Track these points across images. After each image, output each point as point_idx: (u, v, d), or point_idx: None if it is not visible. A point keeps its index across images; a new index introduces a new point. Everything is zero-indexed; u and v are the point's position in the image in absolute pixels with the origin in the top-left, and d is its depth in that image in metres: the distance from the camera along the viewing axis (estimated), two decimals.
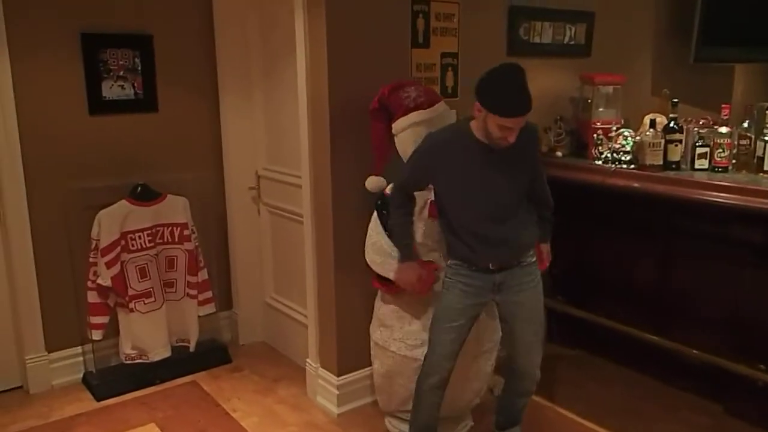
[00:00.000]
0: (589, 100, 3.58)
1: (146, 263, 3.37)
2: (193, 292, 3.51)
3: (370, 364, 3.03)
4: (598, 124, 3.45)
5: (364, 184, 2.82)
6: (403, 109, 2.69)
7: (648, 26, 4.20)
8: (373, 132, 2.82)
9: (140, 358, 3.39)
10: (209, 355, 3.60)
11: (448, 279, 2.49)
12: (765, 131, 2.91)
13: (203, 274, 3.55)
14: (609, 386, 3.33)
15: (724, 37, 4.14)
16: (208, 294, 3.57)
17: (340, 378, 3.06)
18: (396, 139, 2.75)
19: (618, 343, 3.47)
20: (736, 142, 2.99)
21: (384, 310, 2.81)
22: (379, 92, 2.74)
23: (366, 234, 2.79)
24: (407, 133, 2.69)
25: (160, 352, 3.43)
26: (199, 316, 3.56)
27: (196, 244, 3.50)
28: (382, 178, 2.80)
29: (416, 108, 2.68)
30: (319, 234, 3.03)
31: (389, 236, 2.64)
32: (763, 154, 2.89)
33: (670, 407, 3.11)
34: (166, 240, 3.44)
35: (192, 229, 3.49)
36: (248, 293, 3.84)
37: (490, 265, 2.40)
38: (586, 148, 3.56)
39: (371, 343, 2.91)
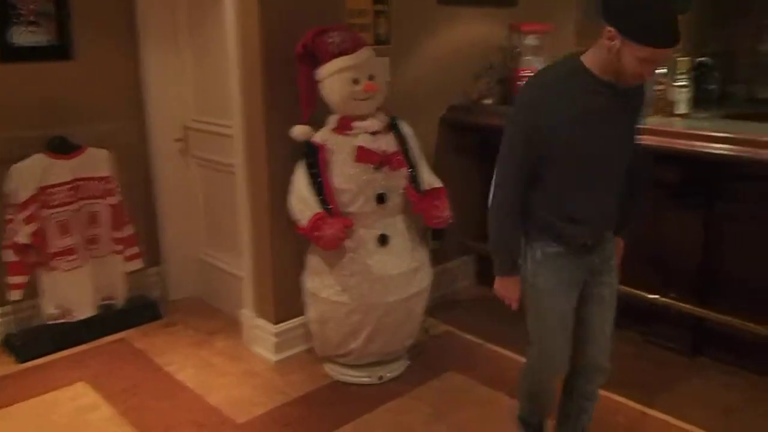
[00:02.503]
0: (518, 49, 3.78)
1: (67, 219, 3.37)
2: (119, 247, 3.55)
3: (305, 312, 3.18)
4: (526, 72, 3.65)
5: (291, 133, 2.92)
6: (326, 55, 2.81)
7: None
8: (300, 78, 2.92)
9: (64, 318, 3.42)
10: (139, 311, 3.66)
11: (537, 268, 2.09)
12: (677, 78, 3.18)
13: (129, 229, 3.58)
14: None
15: None
16: (135, 249, 3.62)
17: (277, 326, 3.20)
18: (321, 86, 2.87)
19: None
20: (653, 88, 3.25)
21: (315, 257, 2.96)
22: (303, 38, 2.83)
23: None
24: (332, 80, 2.82)
25: (85, 311, 3.47)
26: (126, 273, 3.60)
27: (120, 198, 3.52)
28: (308, 126, 2.92)
29: (341, 54, 2.80)
30: (252, 184, 3.13)
31: (494, 244, 2.12)
32: (676, 99, 3.17)
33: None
34: (87, 194, 3.45)
35: (115, 183, 3.50)
36: (178, 248, 3.89)
37: (588, 242, 2.07)
38: (513, 96, 3.77)
39: (304, 291, 3.06)
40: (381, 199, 2.84)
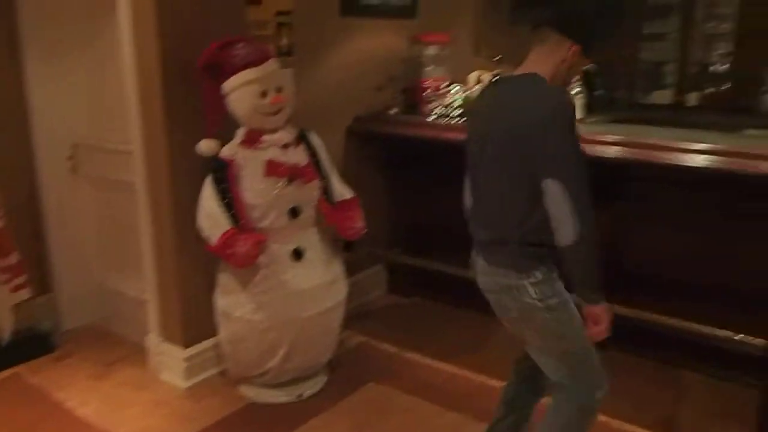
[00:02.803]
0: (419, 59, 3.84)
1: None
2: (5, 276, 3.26)
3: (216, 334, 3.08)
4: (429, 82, 3.72)
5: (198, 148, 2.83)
6: (233, 68, 2.74)
7: None
8: (204, 92, 2.83)
9: None
10: (28, 345, 3.39)
11: (544, 287, 1.97)
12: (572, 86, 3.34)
13: (14, 257, 3.29)
14: (451, 327, 3.68)
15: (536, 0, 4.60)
16: (22, 278, 3.34)
17: (187, 350, 3.07)
18: (228, 100, 2.79)
19: (455, 288, 3.80)
20: None
21: (226, 276, 2.87)
22: (207, 50, 2.75)
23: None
24: (240, 93, 2.75)
25: None
26: (12, 305, 3.33)
27: (4, 222, 3.26)
28: (215, 141, 2.83)
29: (246, 66, 2.73)
30: (155, 202, 2.99)
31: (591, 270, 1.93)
32: None
33: (511, 340, 3.46)
34: None
35: None
36: (70, 273, 3.65)
37: None
38: (417, 105, 3.84)
39: (216, 311, 2.95)
40: (294, 212, 2.79)
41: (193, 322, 3.07)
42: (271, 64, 2.79)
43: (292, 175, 2.76)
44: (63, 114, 3.49)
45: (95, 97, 3.42)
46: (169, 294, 3.05)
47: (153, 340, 3.19)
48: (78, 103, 3.48)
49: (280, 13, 3.26)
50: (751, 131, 4.62)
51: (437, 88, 3.62)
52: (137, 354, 3.36)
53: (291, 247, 2.82)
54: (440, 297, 4.00)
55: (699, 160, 2.84)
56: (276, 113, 2.78)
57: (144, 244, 3.09)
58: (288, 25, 3.31)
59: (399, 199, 4.00)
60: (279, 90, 2.77)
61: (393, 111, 3.80)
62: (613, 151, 3.03)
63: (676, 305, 3.09)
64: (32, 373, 3.25)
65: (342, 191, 3.01)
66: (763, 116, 5.13)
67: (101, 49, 3.28)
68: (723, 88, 5.48)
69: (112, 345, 3.52)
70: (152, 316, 3.17)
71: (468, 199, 2.23)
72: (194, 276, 3.03)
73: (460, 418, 2.81)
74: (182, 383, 3.07)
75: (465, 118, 1.90)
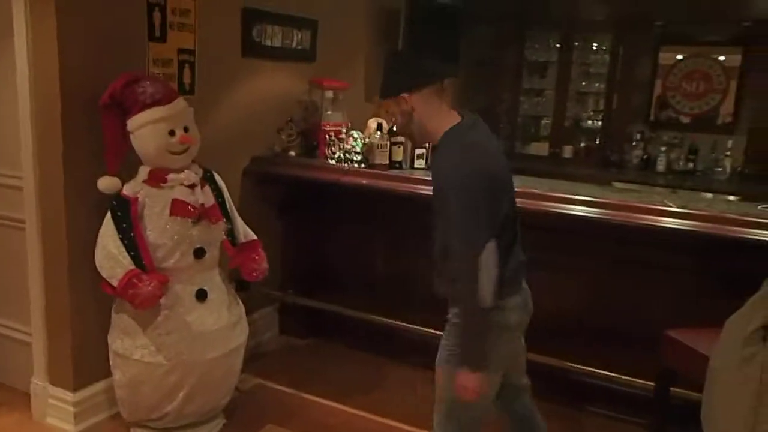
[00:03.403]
0: (318, 104, 3.99)
1: None
2: None
3: (108, 376, 3.01)
4: (328, 126, 3.86)
5: (98, 185, 2.81)
6: (139, 105, 2.75)
7: (363, 37, 4.76)
8: (106, 129, 2.81)
9: None
10: None
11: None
12: None
13: None
14: (345, 367, 3.77)
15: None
16: None
17: (76, 393, 2.98)
18: (132, 137, 2.80)
19: (350, 328, 3.93)
20: None
21: (124, 317, 2.82)
22: (111, 86, 2.75)
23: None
24: (146, 131, 2.77)
25: None
26: None
27: None
28: (116, 178, 2.82)
29: (154, 104, 2.76)
30: (47, 240, 2.91)
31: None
32: None
33: (405, 381, 3.62)
34: None
35: None
36: None
37: None
38: (315, 148, 3.96)
39: (110, 354, 2.89)
40: (199, 253, 2.82)
41: (84, 365, 2.99)
42: (180, 103, 2.83)
43: (199, 215, 2.79)
44: None
45: None
46: (59, 335, 2.96)
47: (38, 384, 3.06)
48: None
49: (182, 51, 3.31)
50: (618, 184, 5.14)
51: (338, 133, 3.76)
52: (15, 398, 3.21)
53: (194, 288, 2.83)
54: (333, 338, 4.09)
55: (582, 210, 3.14)
56: (183, 152, 2.81)
57: (32, 282, 2.99)
58: (190, 64, 3.36)
59: (292, 240, 4.09)
60: (186, 129, 2.82)
61: (292, 153, 3.90)
62: None
63: (560, 348, 3.31)
64: None
65: (246, 233, 3.07)
66: (629, 170, 5.69)
67: None
68: (595, 142, 6.01)
69: None
70: (37, 358, 3.05)
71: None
72: (86, 316, 2.96)
73: None
74: (72, 428, 2.97)
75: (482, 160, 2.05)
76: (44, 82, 2.78)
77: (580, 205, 3.16)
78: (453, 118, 2.14)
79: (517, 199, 2.24)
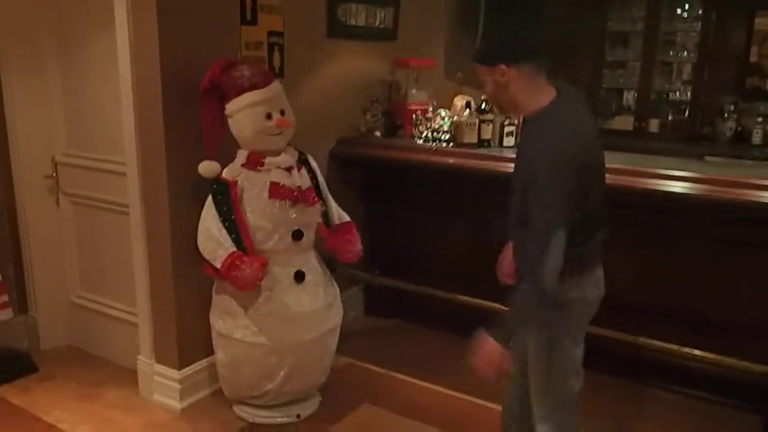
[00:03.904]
0: (401, 83, 4.00)
1: None
2: None
3: (210, 354, 3.14)
4: (414, 105, 3.87)
5: (199, 169, 2.89)
6: (236, 89, 2.80)
7: (442, 14, 4.73)
8: (204, 114, 2.88)
9: None
10: (9, 365, 3.38)
11: None
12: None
13: None
14: (431, 347, 3.79)
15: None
16: (4, 298, 3.35)
17: (182, 371, 3.11)
18: (230, 121, 2.87)
19: (435, 309, 3.95)
20: None
21: (225, 298, 2.92)
22: (209, 71, 2.82)
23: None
24: (243, 115, 2.82)
25: None
26: None
27: None
28: (215, 162, 2.90)
29: (252, 87, 2.80)
30: (150, 223, 3.03)
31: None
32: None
33: None
34: None
35: None
36: (48, 293, 3.64)
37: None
38: (400, 128, 3.98)
39: (213, 333, 3.01)
40: (297, 235, 2.88)
41: (188, 344, 3.11)
42: (276, 86, 2.87)
43: (297, 197, 2.85)
44: (41, 131, 3.48)
45: (75, 112, 3.42)
46: (164, 315, 3.09)
47: (144, 362, 3.21)
48: (57, 119, 3.48)
49: (272, 34, 3.36)
50: (711, 158, 4.96)
51: (424, 112, 3.77)
52: (122, 375, 3.38)
53: (292, 269, 2.90)
54: (418, 318, 4.13)
55: (680, 187, 3.03)
56: (279, 134, 2.87)
57: (137, 265, 3.12)
58: (279, 46, 3.41)
59: (376, 221, 4.12)
60: (283, 113, 2.87)
61: (377, 133, 3.92)
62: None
63: (657, 330, 3.27)
64: (17, 394, 3.23)
65: (340, 214, 3.12)
66: (721, 144, 5.48)
67: (80, 62, 3.31)
68: (683, 115, 5.81)
69: (94, 366, 3.52)
70: (143, 337, 3.19)
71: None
72: (189, 297, 3.07)
73: None
74: (177, 405, 3.11)
75: (576, 142, 2.01)
76: (145, 71, 2.87)
77: (677, 180, 3.05)
78: (548, 94, 2.05)
79: (607, 176, 2.16)
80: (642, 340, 3.27)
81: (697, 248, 3.26)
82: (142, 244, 3.07)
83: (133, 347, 3.29)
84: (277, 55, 3.39)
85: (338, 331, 3.12)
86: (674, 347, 3.22)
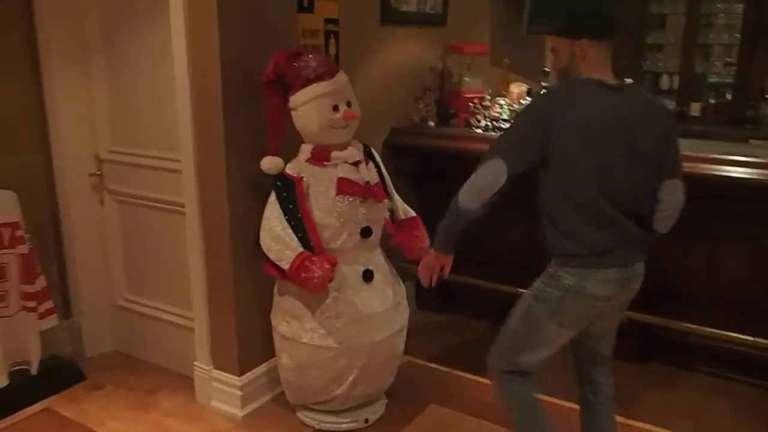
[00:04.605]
0: (452, 70, 3.82)
1: None
2: (32, 303, 3.09)
3: (270, 357, 3.00)
4: (469, 93, 3.69)
5: (261, 165, 2.72)
6: (302, 81, 2.63)
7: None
8: (267, 106, 2.71)
9: None
10: (56, 374, 3.21)
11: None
12: None
13: (41, 282, 3.13)
14: (488, 342, 3.60)
15: (551, 10, 4.64)
16: (49, 304, 3.17)
17: (242, 377, 2.95)
18: (294, 114, 2.69)
19: (487, 303, 3.77)
20: None
21: (290, 300, 2.75)
22: (272, 61, 2.65)
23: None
24: (309, 107, 2.65)
25: None
26: (39, 332, 3.15)
27: (31, 246, 3.08)
28: (279, 158, 2.72)
29: (318, 79, 2.63)
30: (208, 223, 2.86)
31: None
32: None
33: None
34: None
35: (24, 229, 3.06)
36: (93, 297, 3.47)
37: None
38: (452, 117, 3.80)
39: (276, 337, 2.85)
40: (366, 233, 2.71)
41: (248, 348, 2.95)
42: (342, 77, 2.70)
43: (366, 193, 2.68)
44: (85, 126, 3.31)
45: (120, 107, 3.24)
46: (223, 320, 2.92)
47: (202, 368, 3.04)
48: (102, 114, 3.31)
49: (328, 21, 3.18)
50: (756, 141, 4.78)
51: (481, 100, 3.59)
52: (175, 381, 3.23)
53: (360, 268, 2.73)
54: (470, 312, 3.98)
55: (739, 172, 2.93)
56: (345, 128, 2.69)
57: (193, 267, 2.95)
58: (335, 34, 3.23)
59: (427, 213, 3.95)
60: (349, 104, 2.69)
61: (431, 123, 3.74)
62: None
63: (722, 319, 3.15)
64: (67, 405, 3.07)
65: (405, 209, 2.95)
66: (765, 127, 5.31)
67: (125, 55, 3.14)
68: (725, 98, 5.63)
69: (145, 372, 3.36)
70: (200, 343, 3.03)
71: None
72: (249, 300, 2.91)
73: None
74: (238, 412, 2.95)
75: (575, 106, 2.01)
76: (203, 61, 2.68)
77: (734, 166, 2.96)
78: (610, 76, 2.05)
79: None
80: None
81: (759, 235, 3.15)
82: (199, 245, 2.90)
83: (186, 352, 3.14)
84: (332, 43, 3.22)
85: (405, 332, 2.95)
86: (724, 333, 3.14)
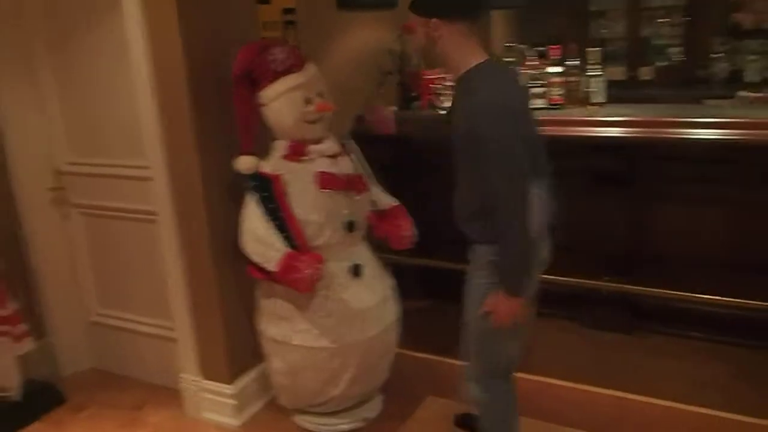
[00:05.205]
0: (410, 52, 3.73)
1: None
2: (5, 327, 2.92)
3: (258, 362, 2.91)
4: (429, 74, 3.61)
5: (236, 166, 2.61)
6: (271, 74, 2.54)
7: None
8: (238, 103, 2.60)
9: None
10: (36, 399, 3.06)
11: None
12: (590, 68, 3.35)
13: (12, 304, 2.96)
14: None
15: None
16: (23, 327, 3.01)
17: (233, 385, 2.86)
18: (266, 110, 2.59)
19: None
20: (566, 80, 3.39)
21: (277, 302, 2.67)
22: (239, 57, 2.54)
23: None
24: (281, 102, 2.56)
25: None
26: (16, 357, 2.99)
27: None
28: (254, 157, 2.62)
29: (287, 72, 2.54)
30: (185, 229, 2.74)
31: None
32: (592, 88, 3.34)
33: (539, 332, 3.47)
34: None
35: None
36: (65, 314, 3.31)
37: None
38: (414, 100, 3.73)
39: (265, 341, 2.76)
40: (350, 227, 2.63)
41: (237, 355, 2.86)
42: (311, 68, 2.61)
43: (347, 186, 2.60)
44: (40, 140, 3.13)
45: (78, 117, 3.08)
46: (208, 328, 2.81)
47: (189, 379, 2.94)
48: (56, 126, 3.13)
49: (286, 11, 3.06)
50: (710, 101, 4.85)
51: (443, 80, 3.52)
52: (160, 394, 3.11)
53: (348, 263, 2.65)
54: (449, 297, 3.94)
55: (709, 134, 2.92)
56: (318, 121, 2.60)
57: (171, 276, 2.83)
58: (294, 24, 3.12)
59: (404, 200, 3.90)
60: (321, 95, 2.60)
61: (393, 108, 3.66)
62: (617, 132, 3.09)
63: (703, 282, 3.16)
64: (53, 430, 2.94)
65: (387, 199, 2.88)
66: (716, 85, 5.39)
67: (75, 59, 2.97)
68: (674, 60, 5.69)
69: (126, 388, 3.23)
70: (185, 353, 2.91)
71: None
72: (234, 305, 2.81)
73: (539, 423, 2.76)
74: (233, 422, 2.86)
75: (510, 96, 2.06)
76: (165, 58, 2.55)
77: (699, 128, 2.96)
78: (479, 56, 2.01)
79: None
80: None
81: (728, 195, 3.19)
82: (175, 253, 2.78)
83: (167, 363, 3.04)
84: (291, 33, 3.10)
85: (398, 325, 2.88)
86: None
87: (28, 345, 3.02)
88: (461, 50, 1.99)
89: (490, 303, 2.10)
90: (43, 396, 3.10)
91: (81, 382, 3.30)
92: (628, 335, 3.42)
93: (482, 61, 2.00)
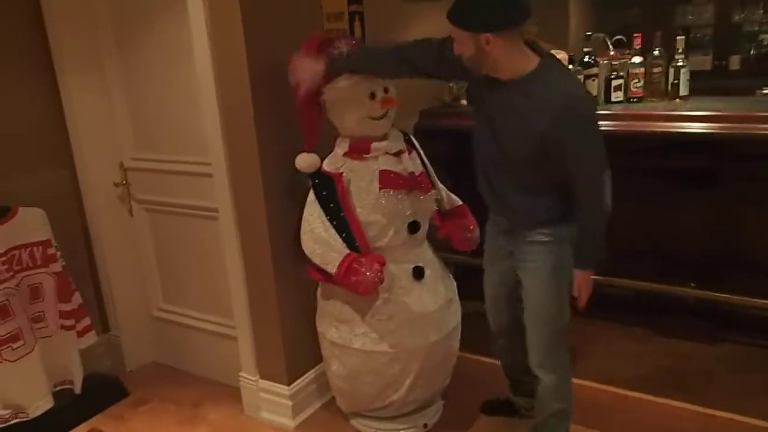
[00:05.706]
0: None
1: (7, 299, 2.74)
2: (69, 322, 2.97)
3: (317, 363, 2.87)
4: None
5: (296, 164, 2.55)
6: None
7: None
8: (300, 100, 2.52)
9: (17, 417, 2.81)
10: (99, 392, 3.09)
11: None
12: (677, 58, 3.13)
13: (77, 298, 3.00)
14: None
15: None
16: (87, 321, 3.05)
17: (291, 387, 2.81)
18: (329, 106, 2.51)
19: None
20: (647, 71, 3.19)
21: (337, 304, 2.59)
22: (302, 49, 2.45)
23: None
24: (344, 97, 2.46)
25: (41, 405, 2.87)
26: (79, 350, 3.03)
27: (63, 263, 2.95)
28: (315, 155, 2.55)
29: None
30: (245, 227, 2.70)
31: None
32: (677, 80, 3.12)
33: (601, 339, 3.33)
34: (26, 265, 2.84)
35: (55, 246, 2.92)
36: (129, 309, 3.35)
37: (499, 222, 2.37)
38: None
39: (324, 343, 2.69)
40: (413, 227, 2.53)
41: (295, 356, 2.81)
42: None
43: (411, 185, 2.50)
44: (106, 135, 3.16)
45: (142, 112, 3.08)
46: (267, 328, 2.77)
47: (248, 378, 2.91)
48: (122, 121, 3.15)
49: (352, 2, 2.98)
50: None
51: None
52: (220, 392, 3.10)
53: (410, 266, 2.55)
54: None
55: None
56: (383, 117, 2.51)
57: (232, 273, 2.80)
58: (360, 15, 3.03)
59: (466, 200, 3.77)
60: (386, 90, 2.50)
61: (464, 102, 3.54)
62: (702, 127, 2.88)
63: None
64: (113, 423, 2.97)
65: (451, 199, 2.77)
66: None
67: (141, 60, 2.97)
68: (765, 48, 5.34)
69: (188, 384, 3.23)
70: (245, 352, 2.88)
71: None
72: (292, 305, 2.76)
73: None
74: (290, 423, 2.81)
75: None
76: (228, 55, 2.49)
77: None
78: (531, 56, 2.01)
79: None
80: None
81: None
82: (235, 251, 2.75)
83: (228, 361, 3.02)
84: (357, 24, 3.02)
85: (460, 329, 2.77)
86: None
87: (90, 339, 3.06)
88: (515, 56, 2.00)
89: (577, 286, 2.18)
90: (106, 389, 3.14)
91: (143, 376, 3.33)
92: (709, 345, 3.22)
93: (540, 60, 2.01)
